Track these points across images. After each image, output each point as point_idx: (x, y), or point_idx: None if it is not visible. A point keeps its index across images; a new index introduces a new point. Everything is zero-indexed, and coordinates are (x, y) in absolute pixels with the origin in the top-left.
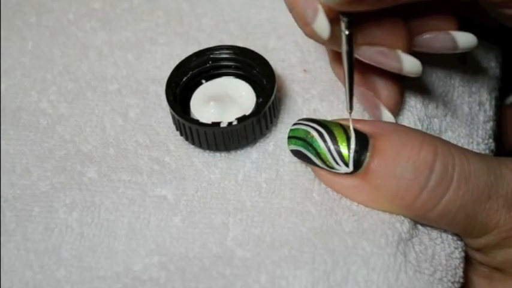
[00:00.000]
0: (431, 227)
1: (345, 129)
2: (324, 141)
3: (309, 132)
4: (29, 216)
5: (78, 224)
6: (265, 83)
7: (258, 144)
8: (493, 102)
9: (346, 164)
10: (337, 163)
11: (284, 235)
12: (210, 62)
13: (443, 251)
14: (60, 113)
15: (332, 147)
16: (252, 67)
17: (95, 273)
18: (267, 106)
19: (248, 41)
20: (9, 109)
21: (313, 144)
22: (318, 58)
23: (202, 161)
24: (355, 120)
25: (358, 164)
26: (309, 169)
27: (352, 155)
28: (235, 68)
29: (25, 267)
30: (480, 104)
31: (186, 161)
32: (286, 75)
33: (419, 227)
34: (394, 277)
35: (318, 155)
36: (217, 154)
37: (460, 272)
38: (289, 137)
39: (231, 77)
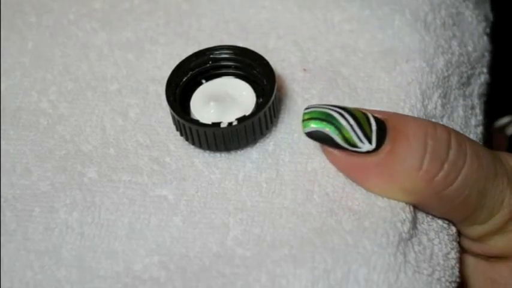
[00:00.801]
0: (429, 227)
1: (362, 111)
2: (346, 119)
3: (328, 114)
4: (29, 216)
5: (78, 224)
6: (265, 83)
7: (258, 144)
8: (482, 107)
9: (370, 141)
10: (360, 140)
11: (284, 235)
12: (210, 62)
13: (440, 251)
14: (60, 113)
15: (355, 124)
16: (252, 67)
17: (95, 273)
18: (267, 106)
19: (248, 41)
20: (9, 109)
21: (335, 123)
22: (318, 57)
23: (202, 161)
24: (364, 109)
25: (381, 140)
26: (309, 169)
27: (374, 132)
28: (235, 68)
29: (25, 267)
30: (472, 108)
31: (186, 161)
32: (286, 75)
33: (419, 227)
34: (394, 277)
35: (341, 133)
36: (218, 154)
37: (456, 272)
38: (306, 119)
39: (231, 77)
